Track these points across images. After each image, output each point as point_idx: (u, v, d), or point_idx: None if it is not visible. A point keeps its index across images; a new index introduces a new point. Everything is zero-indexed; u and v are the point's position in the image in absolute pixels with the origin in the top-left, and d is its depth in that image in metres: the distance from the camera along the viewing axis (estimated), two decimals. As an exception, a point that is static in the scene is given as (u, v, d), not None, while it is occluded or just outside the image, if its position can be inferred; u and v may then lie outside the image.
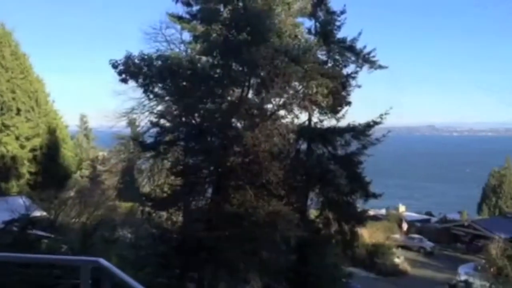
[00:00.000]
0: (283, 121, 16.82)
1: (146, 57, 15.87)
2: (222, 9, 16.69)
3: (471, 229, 46.70)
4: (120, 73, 15.60)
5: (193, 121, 17.25)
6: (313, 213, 24.86)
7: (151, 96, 17.46)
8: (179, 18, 20.71)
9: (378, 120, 21.74)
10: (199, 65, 16.75)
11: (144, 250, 19.16)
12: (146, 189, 25.98)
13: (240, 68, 16.33)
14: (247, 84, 16.57)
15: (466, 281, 33.84)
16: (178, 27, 20.93)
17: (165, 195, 18.45)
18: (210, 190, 17.84)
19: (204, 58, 17.10)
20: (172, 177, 18.77)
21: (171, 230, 17.35)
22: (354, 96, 22.42)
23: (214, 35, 16.07)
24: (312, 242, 20.54)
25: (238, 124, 17.43)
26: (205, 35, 16.87)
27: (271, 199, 15.79)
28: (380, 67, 21.83)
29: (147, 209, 17.99)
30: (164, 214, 17.91)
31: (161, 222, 17.73)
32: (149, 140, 20.21)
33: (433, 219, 59.75)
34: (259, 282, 16.14)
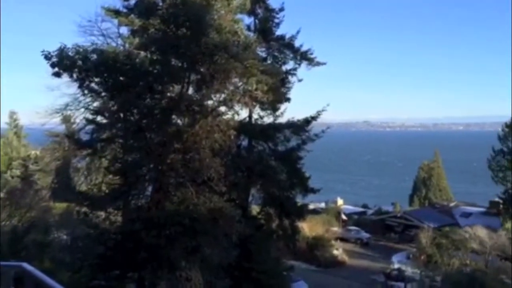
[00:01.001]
0: (224, 117, 16.80)
1: (81, 50, 15.20)
2: (160, 3, 16.36)
3: (403, 219, 49.24)
4: (53, 66, 14.81)
5: (132, 118, 16.79)
6: (254, 209, 25.14)
7: (87, 91, 16.75)
8: (116, 12, 20.06)
9: (316, 116, 22.33)
10: (137, 60, 16.31)
11: (81, 251, 18.47)
12: (82, 188, 25.01)
13: (180, 64, 16.11)
14: (187, 80, 16.39)
15: (399, 269, 35.64)
16: (115, 20, 20.27)
17: (102, 194, 17.87)
18: (150, 188, 17.49)
19: (142, 53, 16.68)
20: (110, 176, 18.21)
21: (109, 230, 16.82)
22: (294, 92, 22.91)
23: (152, 29, 15.72)
24: (254, 237, 20.75)
25: (179, 121, 17.19)
26: (142, 30, 16.47)
27: (213, 195, 15.76)
28: (318, 64, 22.42)
29: (83, 209, 17.31)
30: (102, 214, 17.33)
31: (99, 222, 17.12)
32: (85, 138, 19.48)
33: (369, 211, 62.24)
34: (201, 279, 16.06)
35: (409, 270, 35.96)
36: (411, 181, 71.38)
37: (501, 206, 43.72)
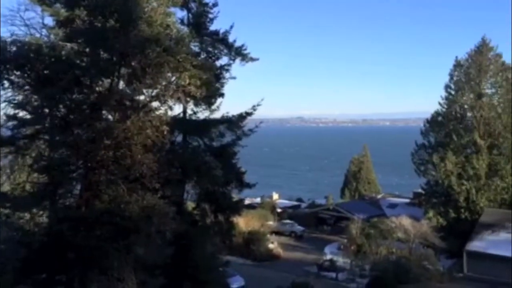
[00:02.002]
0: (157, 112, 16.42)
1: (-1, 40, 14.19)
2: (87, -8, 15.62)
3: (335, 212, 51.13)
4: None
5: (58, 113, 15.95)
6: (190, 205, 24.90)
7: (7, 84, 15.67)
8: (40, 1, 18.89)
9: (251, 111, 22.49)
10: (63, 52, 15.50)
11: (3, 255, 17.31)
12: (5, 188, 23.42)
13: (109, 57, 15.52)
14: (116, 74, 15.82)
15: (331, 260, 37.00)
16: (39, 10, 19.08)
17: (27, 194, 16.83)
18: (78, 187, 16.74)
19: (68, 45, 15.87)
20: (35, 174, 17.19)
21: (34, 232, 15.90)
22: (229, 88, 22.93)
23: (78, 21, 14.99)
24: (189, 234, 20.57)
25: (109, 116, 16.58)
26: (68, 21, 15.66)
27: (145, 193, 15.37)
28: (252, 59, 22.57)
29: (6, 210, 16.20)
30: (26, 215, 16.32)
31: (23, 223, 16.12)
32: (7, 134, 18.22)
33: (303, 205, 63.90)
34: (134, 279, 15.66)
35: (340, 260, 37.45)
36: (343, 175, 74.14)
37: (423, 197, 46.58)
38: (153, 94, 16.08)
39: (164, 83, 15.88)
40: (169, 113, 17.75)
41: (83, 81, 15.66)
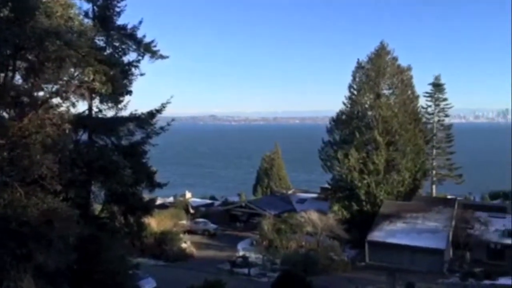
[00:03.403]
0: (58, 109, 15.40)
1: None
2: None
3: (247, 209, 51.95)
4: None
5: None
6: (98, 207, 23.76)
7: None
8: None
9: (161, 108, 21.98)
10: None
11: None
12: None
13: (3, 50, 14.24)
14: (11, 67, 14.58)
15: (243, 256, 37.54)
16: None
17: None
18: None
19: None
20: None
21: None
22: (138, 85, 22.17)
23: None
24: (96, 237, 19.61)
25: (4, 114, 15.24)
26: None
27: (46, 195, 14.35)
28: (162, 57, 22.01)
29: None
30: None
31: None
32: None
33: (216, 203, 64.11)
34: (34, 288, 14.58)
35: (252, 256, 38.16)
36: (255, 172, 75.53)
37: (329, 191, 49.03)
38: (54, 90, 15.06)
39: (65, 78, 14.93)
40: (72, 110, 16.78)
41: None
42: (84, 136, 21.26)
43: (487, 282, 32.17)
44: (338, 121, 49.32)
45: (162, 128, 22.80)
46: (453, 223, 39.11)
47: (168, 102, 22.30)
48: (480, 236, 37.94)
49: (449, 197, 53.96)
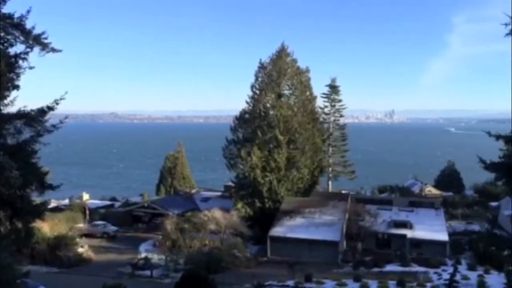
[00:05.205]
0: None
1: None
2: None
3: (150, 209, 50.75)
4: None
5: None
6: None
7: None
8: None
9: (53, 105, 20.54)
10: None
11: None
12: None
13: None
14: None
15: (145, 258, 36.59)
16: None
17: None
18: None
19: None
20: None
21: None
22: (27, 79, 20.49)
23: None
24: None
25: None
26: None
27: None
28: (54, 50, 20.53)
29: None
30: None
31: None
32: None
33: (117, 204, 61.78)
34: None
35: (155, 257, 37.35)
36: (158, 172, 73.94)
37: (233, 189, 49.74)
38: None
39: None
40: None
41: None
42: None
43: (376, 269, 34.91)
44: (241, 120, 50.18)
45: (54, 126, 21.35)
46: (347, 216, 41.84)
47: (62, 98, 20.86)
48: (370, 228, 41.05)
49: (343, 192, 57.64)
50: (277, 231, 40.56)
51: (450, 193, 66.43)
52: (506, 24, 14.09)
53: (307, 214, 42.48)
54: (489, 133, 14.88)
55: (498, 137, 14.89)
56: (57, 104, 20.62)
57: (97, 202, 60.13)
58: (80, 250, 39.19)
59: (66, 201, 58.82)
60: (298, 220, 41.83)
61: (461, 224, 50.87)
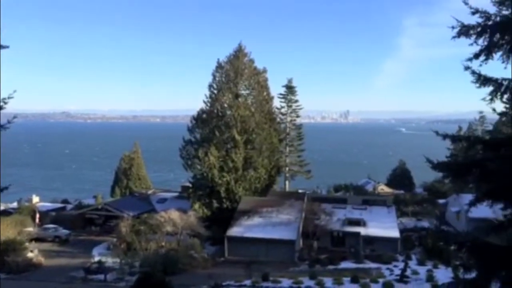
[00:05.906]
0: None
1: None
2: None
3: (104, 211, 49.40)
4: None
5: None
6: None
7: None
8: None
9: (1, 104, 19.67)
10: None
11: None
12: None
13: None
14: None
15: (99, 261, 35.64)
16: None
17: None
18: None
19: None
20: None
21: None
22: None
23: None
24: None
25: None
26: None
27: None
28: (1, 46, 19.70)
29: None
30: None
31: None
32: None
33: (69, 206, 59.91)
34: None
35: (109, 261, 36.44)
36: (114, 173, 72.16)
37: (190, 190, 49.30)
38: None
39: None
40: None
41: None
42: None
43: (331, 267, 35.68)
44: (199, 120, 49.86)
45: (2, 126, 20.44)
46: (303, 215, 42.47)
47: (10, 97, 20.04)
48: (325, 226, 41.86)
49: (300, 191, 58.47)
50: (235, 231, 40.59)
51: (401, 191, 68.86)
52: (453, 27, 14.71)
53: (264, 213, 42.76)
54: (436, 133, 15.53)
55: (445, 136, 15.55)
56: (5, 103, 19.75)
57: (48, 205, 58.00)
58: (29, 255, 37.62)
59: (15, 204, 56.48)
60: (256, 220, 42.04)
61: (412, 221, 52.90)
